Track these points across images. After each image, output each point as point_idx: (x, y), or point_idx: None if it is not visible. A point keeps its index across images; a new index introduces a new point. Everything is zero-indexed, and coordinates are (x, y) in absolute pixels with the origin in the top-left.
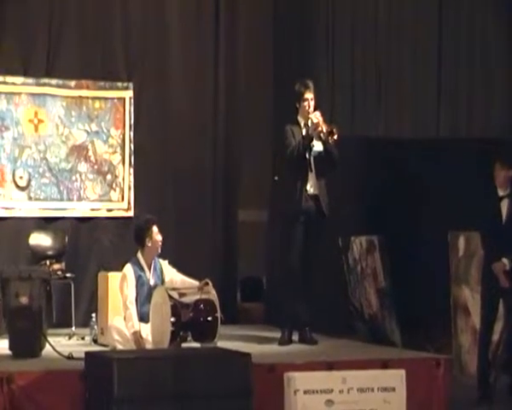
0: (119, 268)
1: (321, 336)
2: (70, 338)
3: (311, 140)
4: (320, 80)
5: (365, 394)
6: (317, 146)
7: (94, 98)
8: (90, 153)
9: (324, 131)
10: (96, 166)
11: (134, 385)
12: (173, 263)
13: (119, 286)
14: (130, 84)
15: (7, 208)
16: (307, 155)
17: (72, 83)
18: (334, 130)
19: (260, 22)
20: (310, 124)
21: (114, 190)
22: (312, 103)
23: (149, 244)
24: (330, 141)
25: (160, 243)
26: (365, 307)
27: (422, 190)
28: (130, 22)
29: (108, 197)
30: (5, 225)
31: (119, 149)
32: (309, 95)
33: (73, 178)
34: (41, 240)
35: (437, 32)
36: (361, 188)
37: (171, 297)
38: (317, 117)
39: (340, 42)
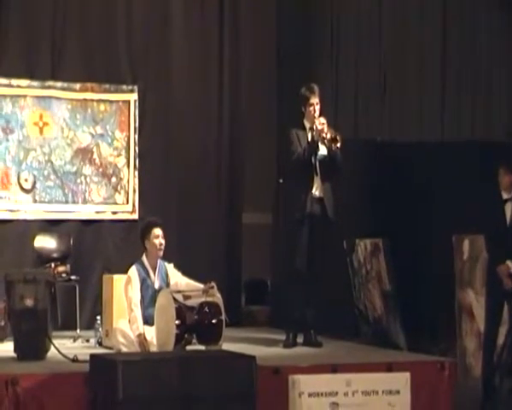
0: (124, 271)
1: (326, 339)
2: (75, 341)
3: (317, 146)
4: (324, 83)
5: (370, 396)
6: (322, 150)
7: (99, 101)
8: (95, 156)
9: (328, 138)
10: (100, 169)
11: (139, 388)
12: (177, 266)
13: (124, 288)
14: (135, 87)
15: (12, 211)
16: (313, 159)
17: (77, 86)
18: (338, 137)
19: (264, 25)
20: (314, 129)
21: (119, 193)
22: (318, 108)
23: (147, 247)
24: (333, 148)
25: (161, 246)
26: (370, 310)
27: (427, 193)
28: (135, 25)
29: (113, 200)
30: (10, 228)
31: (123, 152)
32: (314, 99)
33: (78, 180)
34: (46, 242)
35: (441, 35)
36: (366, 191)
37: (175, 300)
38: (321, 123)
39: (344, 44)
